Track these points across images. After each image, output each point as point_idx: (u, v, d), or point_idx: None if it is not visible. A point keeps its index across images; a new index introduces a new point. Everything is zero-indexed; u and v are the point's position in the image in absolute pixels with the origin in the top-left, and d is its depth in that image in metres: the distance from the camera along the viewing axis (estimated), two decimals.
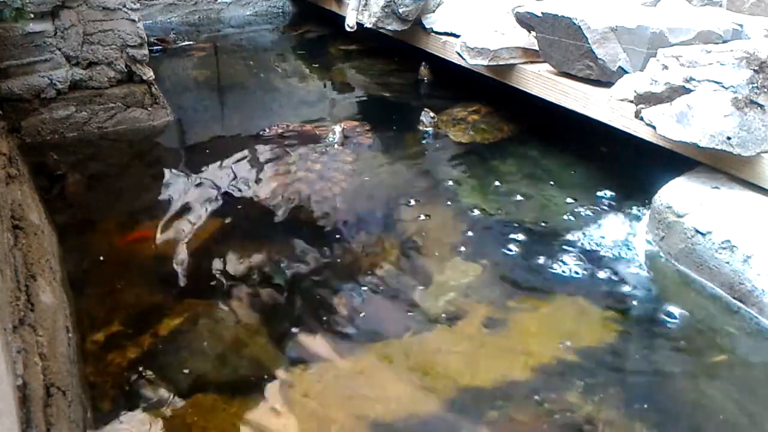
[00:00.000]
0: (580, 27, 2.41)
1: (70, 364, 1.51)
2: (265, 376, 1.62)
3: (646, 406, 1.55)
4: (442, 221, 2.35)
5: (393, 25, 3.54)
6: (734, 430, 1.49)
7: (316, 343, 1.75)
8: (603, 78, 2.47)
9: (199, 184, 2.58)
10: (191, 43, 4.70)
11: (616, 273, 2.01)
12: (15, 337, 1.29)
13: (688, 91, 1.99)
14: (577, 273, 2.02)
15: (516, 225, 2.28)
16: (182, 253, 2.13)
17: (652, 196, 2.12)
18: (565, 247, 2.15)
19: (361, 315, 1.85)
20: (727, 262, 1.84)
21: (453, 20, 3.36)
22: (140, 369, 1.64)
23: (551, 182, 2.59)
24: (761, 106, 1.89)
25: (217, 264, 2.07)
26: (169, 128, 3.17)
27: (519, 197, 2.48)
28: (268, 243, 2.19)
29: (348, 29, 3.75)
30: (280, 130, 3.10)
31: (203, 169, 2.71)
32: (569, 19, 2.45)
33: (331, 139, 2.93)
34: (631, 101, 2.26)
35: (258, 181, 2.62)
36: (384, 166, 2.81)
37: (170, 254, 2.13)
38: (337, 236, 2.25)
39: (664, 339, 1.75)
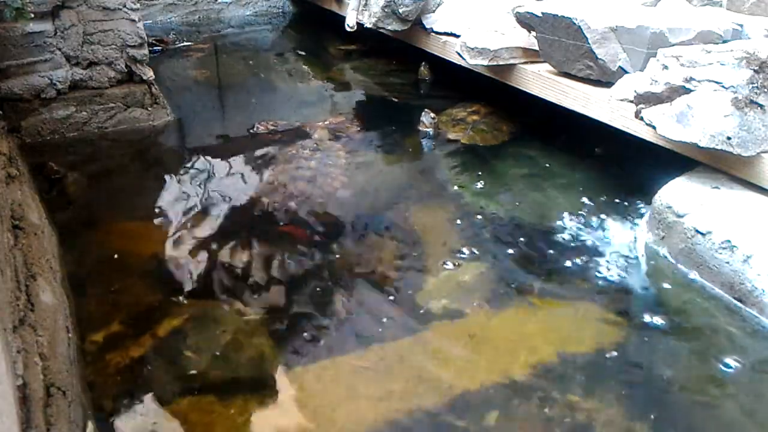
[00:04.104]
0: (580, 27, 2.41)
1: (70, 364, 1.51)
2: (265, 376, 1.62)
3: (646, 406, 1.55)
4: (441, 221, 2.35)
5: (393, 25, 3.54)
6: (735, 431, 1.49)
7: (315, 343, 1.75)
8: (603, 78, 2.47)
9: (199, 184, 2.58)
10: (190, 43, 4.70)
11: (616, 273, 2.01)
12: (15, 337, 1.29)
13: (688, 91, 1.99)
14: (576, 273, 2.02)
15: (515, 225, 2.29)
16: (182, 253, 2.13)
17: (652, 196, 2.12)
18: (564, 247, 2.15)
19: (361, 314, 1.85)
20: (727, 262, 1.84)
21: (453, 20, 3.36)
22: (140, 369, 1.64)
23: (551, 182, 2.59)
24: (761, 106, 1.89)
25: (217, 263, 2.07)
26: (169, 128, 3.17)
27: (518, 197, 2.48)
28: (267, 242, 2.19)
29: (348, 29, 3.75)
30: (271, 127, 3.10)
31: (203, 168, 2.72)
32: (569, 19, 2.45)
33: (317, 137, 2.95)
34: (631, 101, 2.26)
35: (257, 180, 2.62)
36: (383, 165, 2.81)
37: (170, 254, 2.13)
38: (336, 235, 2.25)
39: (664, 339, 1.75)
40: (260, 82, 3.96)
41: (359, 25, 3.71)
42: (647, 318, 1.84)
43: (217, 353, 1.69)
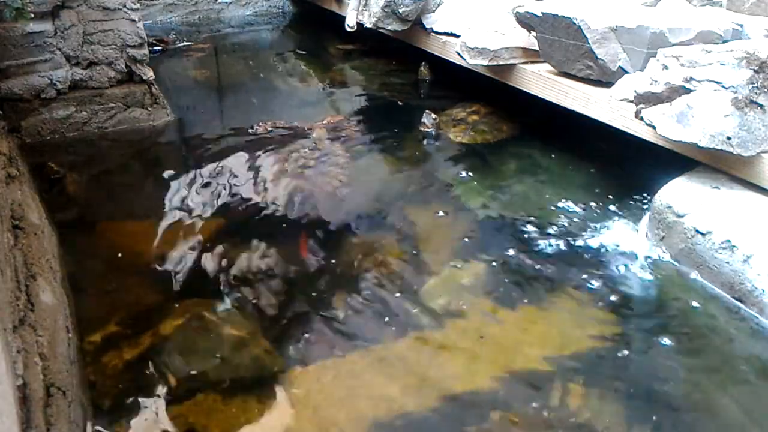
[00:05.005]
0: (580, 27, 2.41)
1: (70, 364, 1.51)
2: (265, 376, 1.63)
3: (645, 406, 1.55)
4: (441, 221, 2.35)
5: (393, 25, 3.54)
6: (735, 431, 1.49)
7: (315, 343, 1.75)
8: (603, 78, 2.47)
9: (199, 184, 2.58)
10: (190, 43, 4.69)
11: (616, 273, 2.01)
12: (15, 337, 1.29)
13: (688, 91, 1.99)
14: (576, 273, 2.01)
15: (516, 225, 2.28)
16: (182, 253, 2.13)
17: (652, 196, 2.12)
18: (565, 247, 2.15)
19: (361, 315, 1.85)
20: (727, 262, 1.84)
21: (453, 20, 3.36)
22: (140, 369, 1.64)
23: (551, 182, 2.58)
24: (761, 106, 1.89)
25: (217, 263, 2.07)
26: (169, 128, 3.17)
27: (519, 197, 2.48)
28: (267, 242, 2.19)
29: (348, 29, 3.75)
30: (270, 126, 3.11)
31: (203, 168, 2.71)
32: (569, 19, 2.45)
33: (316, 136, 2.95)
34: (631, 101, 2.26)
35: (256, 180, 2.62)
36: (382, 164, 2.81)
37: (170, 254, 2.13)
38: (336, 235, 2.25)
39: (663, 339, 1.75)
40: (260, 82, 3.96)
41: (359, 25, 3.71)
42: (647, 318, 1.84)
43: (217, 353, 1.69)
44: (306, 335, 1.77)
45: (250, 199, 2.48)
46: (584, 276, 2.00)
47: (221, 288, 1.96)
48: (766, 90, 1.89)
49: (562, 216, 2.33)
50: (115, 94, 3.08)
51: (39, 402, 1.24)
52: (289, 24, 5.53)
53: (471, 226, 2.30)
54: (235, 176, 2.65)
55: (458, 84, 3.46)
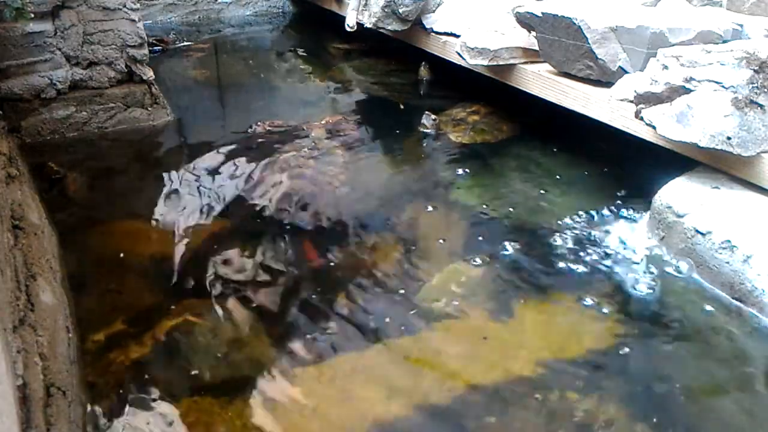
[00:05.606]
0: (580, 27, 2.41)
1: (70, 364, 1.51)
2: (265, 376, 1.63)
3: (646, 406, 1.55)
4: (441, 221, 2.36)
5: (393, 25, 3.53)
6: (735, 431, 1.49)
7: (315, 342, 1.75)
8: (603, 78, 2.47)
9: (198, 184, 2.58)
10: (190, 43, 4.69)
11: (616, 273, 2.01)
12: (15, 337, 1.29)
13: (688, 91, 1.99)
14: (576, 273, 2.02)
15: (515, 225, 2.29)
16: (182, 253, 2.13)
17: (652, 196, 2.12)
18: (564, 247, 2.15)
19: (361, 315, 1.85)
20: (727, 262, 1.84)
21: (453, 20, 3.36)
22: (140, 369, 1.64)
23: (551, 182, 2.58)
24: (761, 106, 1.89)
25: (217, 263, 2.07)
26: (169, 128, 3.17)
27: (518, 197, 2.48)
28: (266, 241, 2.19)
29: (348, 29, 3.75)
30: (269, 126, 3.11)
31: (203, 168, 2.71)
32: (569, 19, 2.45)
33: (314, 135, 2.96)
34: (631, 101, 2.26)
35: (255, 179, 2.62)
36: (381, 164, 2.81)
37: (170, 254, 2.13)
38: (336, 235, 2.25)
39: (663, 339, 1.75)
40: (260, 82, 3.96)
41: (359, 25, 3.71)
42: (647, 318, 1.84)
43: (218, 354, 1.69)
44: (306, 335, 1.77)
45: (249, 199, 2.48)
46: (584, 276, 2.00)
47: (221, 288, 1.96)
48: (766, 90, 1.89)
49: (562, 216, 2.32)
50: (115, 94, 3.08)
51: (39, 402, 1.24)
52: (289, 24, 5.53)
53: (471, 226, 2.30)
54: (235, 176, 2.65)
55: (458, 84, 3.46)
